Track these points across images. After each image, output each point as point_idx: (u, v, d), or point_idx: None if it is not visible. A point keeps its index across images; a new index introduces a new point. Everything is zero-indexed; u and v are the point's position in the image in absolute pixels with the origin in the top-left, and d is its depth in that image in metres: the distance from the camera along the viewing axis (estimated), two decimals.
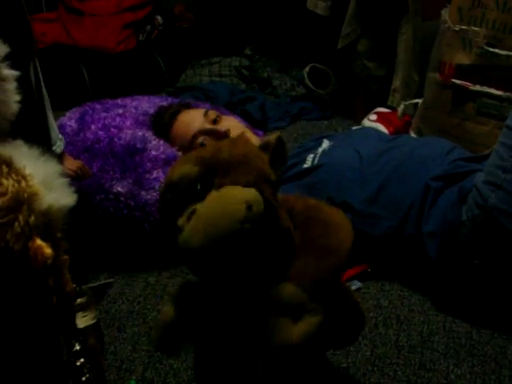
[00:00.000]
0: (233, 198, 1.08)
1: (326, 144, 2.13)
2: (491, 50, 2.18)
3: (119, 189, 2.00)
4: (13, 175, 0.97)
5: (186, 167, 1.15)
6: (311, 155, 2.06)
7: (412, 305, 1.82)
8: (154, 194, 1.99)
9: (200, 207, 1.09)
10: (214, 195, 1.10)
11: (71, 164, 1.97)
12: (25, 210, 0.95)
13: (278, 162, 1.21)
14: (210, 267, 1.14)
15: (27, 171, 0.99)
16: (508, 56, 2.16)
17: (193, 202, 1.12)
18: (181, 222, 1.11)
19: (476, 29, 2.21)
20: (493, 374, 1.60)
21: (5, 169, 0.98)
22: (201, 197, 1.11)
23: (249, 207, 1.07)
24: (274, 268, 1.18)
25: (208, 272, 1.17)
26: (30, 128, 1.21)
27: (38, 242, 0.95)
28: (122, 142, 2.08)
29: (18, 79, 1.08)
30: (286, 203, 1.25)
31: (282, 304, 1.15)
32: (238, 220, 1.06)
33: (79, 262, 1.28)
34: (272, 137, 1.22)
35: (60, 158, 1.85)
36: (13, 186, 0.95)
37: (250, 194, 1.09)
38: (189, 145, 2.13)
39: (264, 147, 1.21)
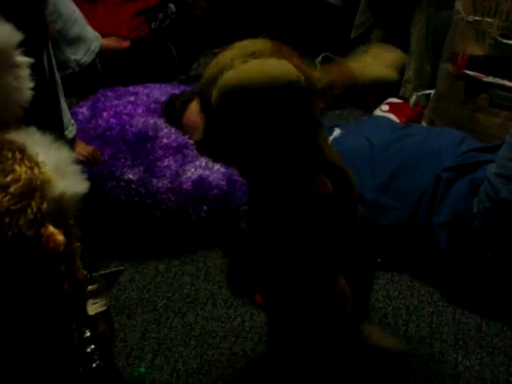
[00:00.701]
0: (292, 68, 1.11)
1: (337, 132, 2.12)
2: (505, 41, 2.17)
3: (130, 176, 2.00)
4: (26, 162, 0.97)
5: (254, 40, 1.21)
6: None
7: (421, 296, 1.83)
8: (165, 181, 2.00)
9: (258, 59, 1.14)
10: (275, 60, 1.14)
11: (83, 149, 1.97)
12: (37, 196, 0.95)
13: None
14: (248, 127, 1.17)
15: (40, 158, 0.99)
16: None
17: None
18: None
19: (489, 20, 2.19)
20: (501, 365, 1.60)
21: (18, 155, 0.98)
22: None
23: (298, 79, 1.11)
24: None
25: (241, 142, 1.20)
26: (42, 114, 1.21)
27: (51, 228, 0.95)
28: (133, 129, 2.09)
29: (32, 66, 1.08)
30: None
31: None
32: (289, 79, 1.10)
33: (90, 248, 1.28)
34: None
35: (72, 143, 1.86)
36: (25, 172, 0.96)
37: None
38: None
39: None
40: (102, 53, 2.78)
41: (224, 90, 1.11)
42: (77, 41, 2.64)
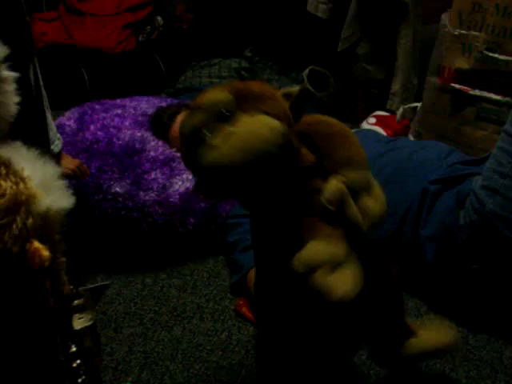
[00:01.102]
0: (270, 124, 1.11)
1: None
2: (491, 54, 2.18)
3: (117, 189, 2.00)
4: (11, 177, 0.96)
5: (218, 93, 1.18)
6: None
7: (409, 308, 1.82)
8: (152, 194, 2.00)
9: (235, 129, 1.12)
10: (249, 119, 1.13)
11: (69, 163, 1.97)
12: (23, 212, 0.95)
13: (297, 112, 1.23)
14: (239, 184, 1.19)
15: (25, 173, 0.99)
16: (507, 61, 2.16)
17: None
18: (215, 141, 1.12)
19: (476, 33, 2.21)
20: (488, 378, 1.60)
21: (3, 170, 0.97)
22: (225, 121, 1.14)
23: (282, 135, 1.11)
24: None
25: (234, 190, 1.23)
26: (28, 129, 1.20)
27: (36, 244, 0.95)
28: (120, 142, 2.09)
29: (18, 80, 1.08)
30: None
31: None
32: (273, 144, 1.10)
33: (76, 263, 1.28)
34: (294, 88, 1.25)
35: (58, 156, 1.85)
36: (11, 187, 0.95)
37: (281, 124, 1.13)
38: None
39: (286, 96, 1.23)
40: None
41: (211, 169, 1.13)
42: None
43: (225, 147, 1.11)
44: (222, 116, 1.14)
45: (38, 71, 1.53)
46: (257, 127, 1.12)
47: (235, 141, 1.11)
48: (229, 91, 1.17)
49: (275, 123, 1.12)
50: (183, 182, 2.04)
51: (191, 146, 1.16)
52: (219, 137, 1.12)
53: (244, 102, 1.15)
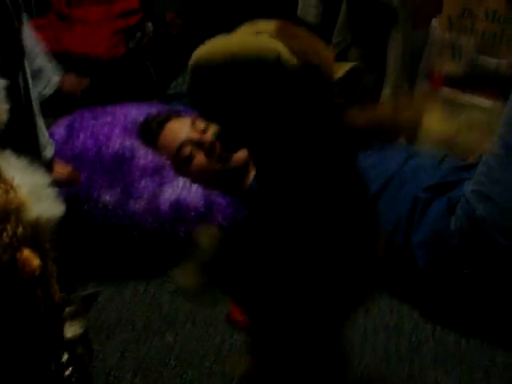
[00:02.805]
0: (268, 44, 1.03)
1: None
2: (481, 59, 2.19)
3: (107, 198, 2.00)
4: (1, 185, 0.96)
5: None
6: None
7: (401, 314, 1.82)
8: (143, 203, 1.99)
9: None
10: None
11: (62, 169, 1.96)
12: (13, 220, 0.95)
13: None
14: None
15: (15, 181, 0.99)
16: (498, 66, 2.16)
17: None
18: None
19: (465, 38, 2.21)
20: (481, 382, 1.61)
21: None
22: None
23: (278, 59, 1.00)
24: None
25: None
26: (18, 136, 1.20)
27: (26, 253, 0.94)
28: (110, 150, 2.08)
29: (7, 87, 1.08)
30: None
31: None
32: (259, 62, 1.00)
33: (68, 270, 1.27)
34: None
35: (50, 163, 1.85)
36: (1, 196, 0.95)
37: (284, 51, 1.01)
38: (176, 155, 2.12)
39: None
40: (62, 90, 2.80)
41: (196, 64, 1.05)
42: (38, 73, 2.64)
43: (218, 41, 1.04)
44: None
45: (28, 78, 1.52)
46: (265, 40, 1.04)
47: (222, 42, 1.04)
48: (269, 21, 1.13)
49: (275, 45, 1.02)
50: (174, 190, 2.04)
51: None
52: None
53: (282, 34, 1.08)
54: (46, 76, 2.71)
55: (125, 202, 2.00)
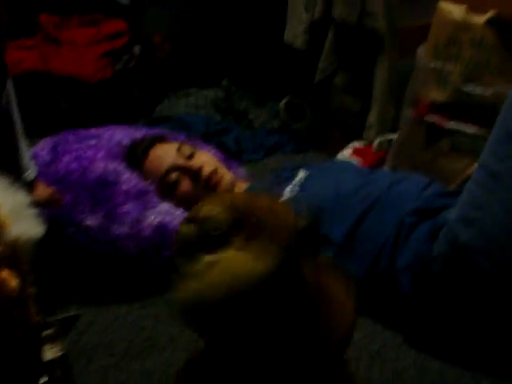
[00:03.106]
0: (252, 267, 1.05)
1: (302, 174, 2.13)
2: (466, 87, 2.20)
3: (89, 222, 1.98)
4: None
5: (215, 209, 1.12)
6: (289, 187, 2.06)
7: (384, 339, 1.82)
8: (125, 228, 1.98)
9: (224, 261, 1.07)
10: (233, 255, 1.07)
11: (43, 191, 1.95)
12: None
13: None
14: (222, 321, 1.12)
15: None
16: (483, 94, 2.17)
17: (207, 247, 1.10)
18: (196, 268, 1.08)
19: (451, 66, 2.23)
20: None
21: None
22: (218, 244, 1.09)
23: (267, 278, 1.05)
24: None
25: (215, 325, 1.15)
26: None
27: (4, 273, 0.93)
28: (93, 174, 2.06)
29: None
30: None
31: None
32: (251, 287, 1.04)
33: (48, 292, 1.26)
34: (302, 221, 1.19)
35: (32, 184, 1.84)
36: None
37: (270, 263, 1.06)
38: (161, 180, 2.12)
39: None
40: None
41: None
42: None
43: (208, 280, 1.07)
44: (213, 238, 1.09)
45: (11, 96, 1.51)
46: (238, 266, 1.06)
47: (220, 276, 1.06)
48: (228, 209, 1.12)
49: (259, 266, 1.05)
50: (156, 215, 2.03)
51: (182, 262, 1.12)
52: (197, 266, 1.08)
53: (242, 225, 1.10)
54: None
55: (107, 226, 1.99)
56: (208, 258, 1.08)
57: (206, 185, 2.10)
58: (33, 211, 1.02)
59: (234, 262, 1.07)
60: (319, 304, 1.19)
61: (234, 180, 2.20)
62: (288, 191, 2.04)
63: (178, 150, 2.17)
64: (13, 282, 0.93)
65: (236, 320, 1.10)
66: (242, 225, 1.10)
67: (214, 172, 2.12)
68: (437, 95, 2.28)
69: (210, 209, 1.12)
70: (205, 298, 1.06)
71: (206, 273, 1.07)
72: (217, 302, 1.05)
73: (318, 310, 1.18)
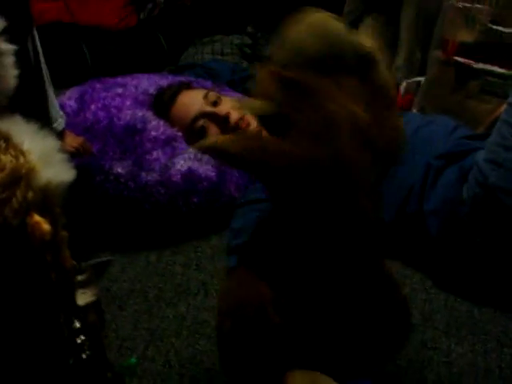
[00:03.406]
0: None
1: None
2: (495, 27, 2.16)
3: (119, 170, 1.99)
4: (11, 151, 0.96)
5: None
6: None
7: (414, 283, 1.82)
8: (154, 174, 1.99)
9: None
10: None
11: (73, 140, 1.96)
12: (23, 185, 0.95)
13: None
14: None
15: (25, 147, 0.99)
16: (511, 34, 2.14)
17: None
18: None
19: (479, 6, 2.19)
20: (494, 352, 1.60)
21: (3, 144, 0.97)
22: None
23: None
24: None
25: None
26: (28, 103, 1.20)
27: (36, 217, 0.94)
28: (121, 122, 2.07)
29: (16, 53, 1.07)
30: None
31: None
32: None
33: (80, 239, 1.27)
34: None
35: (61, 134, 1.85)
36: (11, 161, 0.95)
37: None
38: (189, 127, 2.12)
39: None
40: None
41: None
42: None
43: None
44: None
45: (38, 45, 1.52)
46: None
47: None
48: None
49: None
50: (185, 161, 2.03)
51: None
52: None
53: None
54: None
55: (136, 173, 2.00)
56: None
57: (233, 131, 2.10)
58: (62, 156, 1.03)
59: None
60: None
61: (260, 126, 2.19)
62: None
63: (205, 96, 2.16)
64: (45, 225, 0.94)
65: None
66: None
67: (242, 118, 2.11)
68: (465, 36, 2.24)
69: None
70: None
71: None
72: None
73: None
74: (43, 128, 1.05)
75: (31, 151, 0.98)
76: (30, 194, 0.95)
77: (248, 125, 2.11)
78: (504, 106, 1.78)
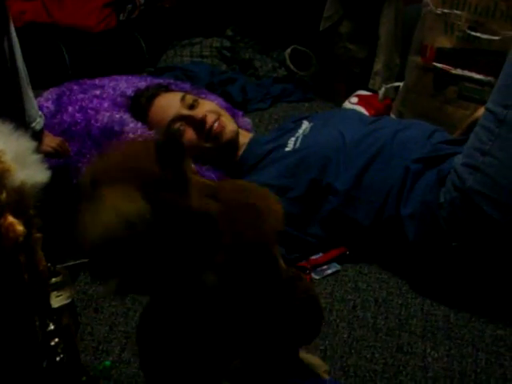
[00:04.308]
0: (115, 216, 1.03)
1: (305, 125, 2.12)
2: (473, 33, 2.18)
3: None
4: None
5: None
6: (292, 138, 2.04)
7: (390, 287, 1.82)
8: None
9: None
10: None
11: (51, 141, 1.95)
12: None
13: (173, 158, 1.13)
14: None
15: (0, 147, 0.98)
16: (490, 40, 2.16)
17: None
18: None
19: (458, 12, 2.20)
20: (470, 357, 1.60)
21: None
22: None
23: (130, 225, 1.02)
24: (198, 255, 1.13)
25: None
26: (3, 103, 1.19)
27: (10, 219, 0.93)
28: (99, 124, 2.06)
29: None
30: (209, 188, 1.19)
31: None
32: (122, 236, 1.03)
33: (56, 242, 1.26)
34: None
35: (40, 134, 1.83)
36: None
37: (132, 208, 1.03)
38: (166, 130, 2.11)
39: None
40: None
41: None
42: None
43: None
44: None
45: (15, 44, 1.50)
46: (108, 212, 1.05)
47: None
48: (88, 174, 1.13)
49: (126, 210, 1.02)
50: None
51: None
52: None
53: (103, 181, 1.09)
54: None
55: None
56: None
57: (208, 134, 2.09)
58: (37, 157, 1.02)
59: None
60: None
61: (238, 129, 2.18)
62: (291, 143, 2.03)
63: (182, 99, 2.15)
64: (19, 227, 0.93)
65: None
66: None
67: (217, 121, 2.11)
68: (444, 41, 2.26)
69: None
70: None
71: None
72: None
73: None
74: (19, 128, 1.04)
75: (5, 152, 0.97)
76: (4, 195, 0.94)
77: (223, 128, 2.11)
78: (481, 111, 1.80)
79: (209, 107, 2.16)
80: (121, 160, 1.11)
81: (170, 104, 2.16)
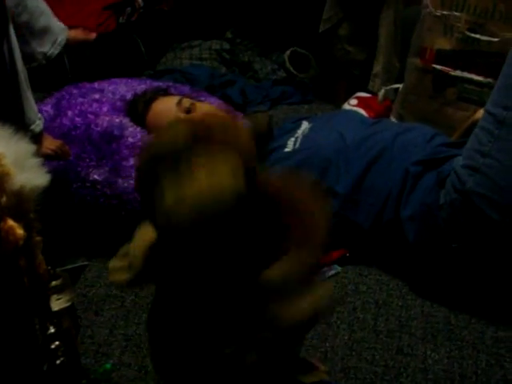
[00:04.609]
0: (223, 187, 0.98)
1: (305, 126, 2.12)
2: (472, 35, 2.18)
3: (96, 177, 1.98)
4: None
5: (175, 131, 1.05)
6: (292, 139, 2.04)
7: (390, 289, 1.82)
8: (131, 181, 1.98)
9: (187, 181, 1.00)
10: (202, 173, 0.99)
11: (50, 143, 1.95)
12: None
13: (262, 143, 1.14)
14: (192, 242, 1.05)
15: None
16: (489, 42, 2.15)
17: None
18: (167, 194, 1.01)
19: (457, 14, 2.20)
20: (470, 358, 1.60)
21: None
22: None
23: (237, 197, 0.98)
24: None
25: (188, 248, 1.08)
26: (3, 106, 1.19)
27: (10, 222, 0.93)
28: (98, 128, 2.06)
29: None
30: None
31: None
32: (226, 209, 0.97)
33: (56, 245, 1.26)
34: (261, 122, 1.16)
35: (39, 137, 1.83)
36: None
37: (238, 183, 0.99)
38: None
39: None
40: (70, 44, 2.78)
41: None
42: (43, 33, 2.63)
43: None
44: (176, 158, 1.02)
45: (14, 47, 1.50)
46: (211, 188, 0.98)
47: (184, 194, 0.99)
48: (187, 129, 1.06)
49: (233, 184, 0.98)
50: None
51: (147, 186, 1.06)
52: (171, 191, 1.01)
53: (202, 142, 1.03)
54: (52, 35, 2.69)
55: (113, 180, 1.99)
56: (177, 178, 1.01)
57: None
58: (37, 160, 1.02)
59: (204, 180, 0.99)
60: (282, 212, 1.13)
61: None
62: (291, 143, 2.03)
63: (178, 103, 2.15)
64: (19, 230, 0.93)
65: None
66: (206, 140, 1.04)
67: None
68: (443, 43, 2.25)
69: (170, 132, 1.07)
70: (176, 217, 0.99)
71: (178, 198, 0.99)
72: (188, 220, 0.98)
73: (281, 218, 1.12)
74: (18, 131, 1.04)
75: (5, 155, 0.97)
76: (4, 199, 0.94)
77: None
78: (480, 112, 1.80)
79: (207, 110, 2.16)
80: (221, 128, 1.08)
81: (166, 109, 2.16)
